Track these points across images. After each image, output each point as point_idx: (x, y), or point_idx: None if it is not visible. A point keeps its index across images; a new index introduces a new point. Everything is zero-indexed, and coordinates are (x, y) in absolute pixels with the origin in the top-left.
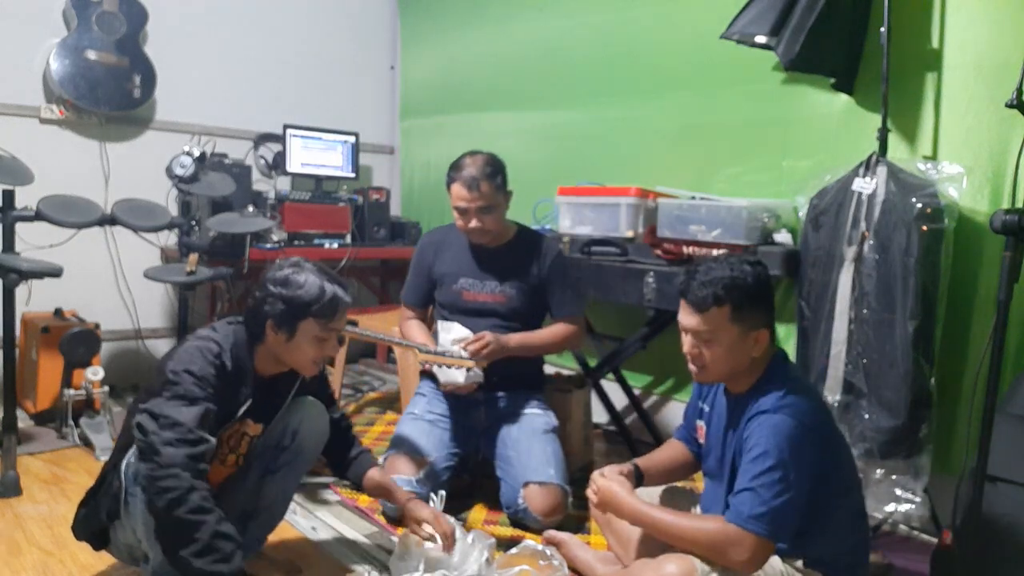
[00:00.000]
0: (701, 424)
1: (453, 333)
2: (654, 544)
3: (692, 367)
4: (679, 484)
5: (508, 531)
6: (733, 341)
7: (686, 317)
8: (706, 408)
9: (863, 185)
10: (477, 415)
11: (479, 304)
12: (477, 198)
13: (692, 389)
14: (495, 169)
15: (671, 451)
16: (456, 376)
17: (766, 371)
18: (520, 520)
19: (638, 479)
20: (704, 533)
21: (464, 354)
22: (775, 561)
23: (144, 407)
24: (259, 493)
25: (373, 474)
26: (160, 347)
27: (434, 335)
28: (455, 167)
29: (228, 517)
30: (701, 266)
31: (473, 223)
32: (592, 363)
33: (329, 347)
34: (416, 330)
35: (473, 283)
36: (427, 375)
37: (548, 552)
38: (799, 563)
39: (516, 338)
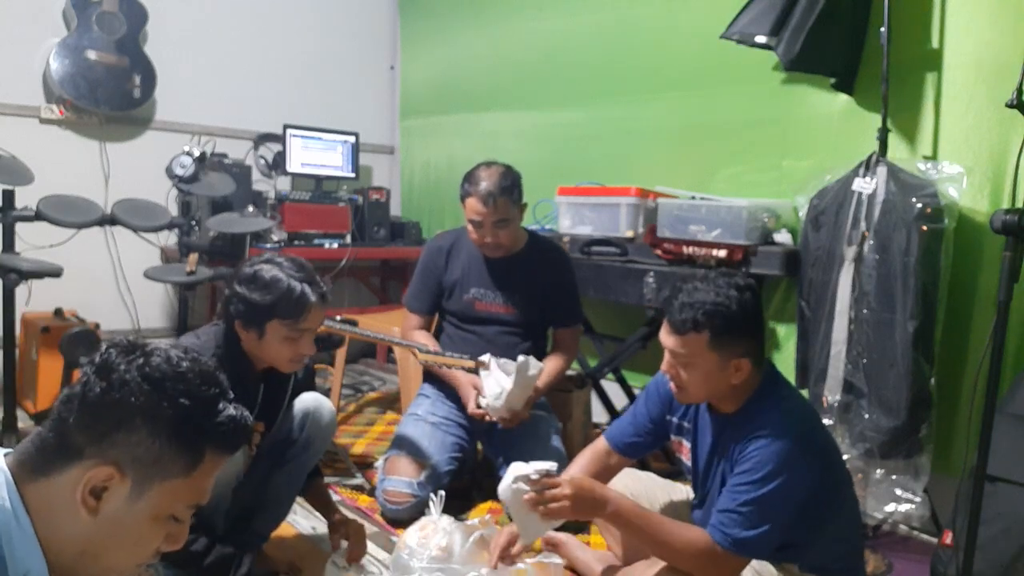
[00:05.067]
0: (679, 441)
1: (491, 387)
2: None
3: (672, 387)
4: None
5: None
6: (711, 368)
7: (665, 336)
8: (687, 425)
9: (863, 185)
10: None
11: (489, 314)
12: (493, 213)
13: (648, 394)
14: (512, 183)
15: (584, 463)
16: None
17: (756, 392)
18: None
19: None
20: (691, 545)
21: (499, 404)
22: (771, 569)
23: None
24: (266, 486)
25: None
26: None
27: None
28: (471, 180)
29: (233, 511)
30: (687, 284)
31: (488, 238)
32: (592, 363)
33: (303, 346)
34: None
35: (485, 293)
36: (429, 377)
37: (545, 552)
38: (795, 567)
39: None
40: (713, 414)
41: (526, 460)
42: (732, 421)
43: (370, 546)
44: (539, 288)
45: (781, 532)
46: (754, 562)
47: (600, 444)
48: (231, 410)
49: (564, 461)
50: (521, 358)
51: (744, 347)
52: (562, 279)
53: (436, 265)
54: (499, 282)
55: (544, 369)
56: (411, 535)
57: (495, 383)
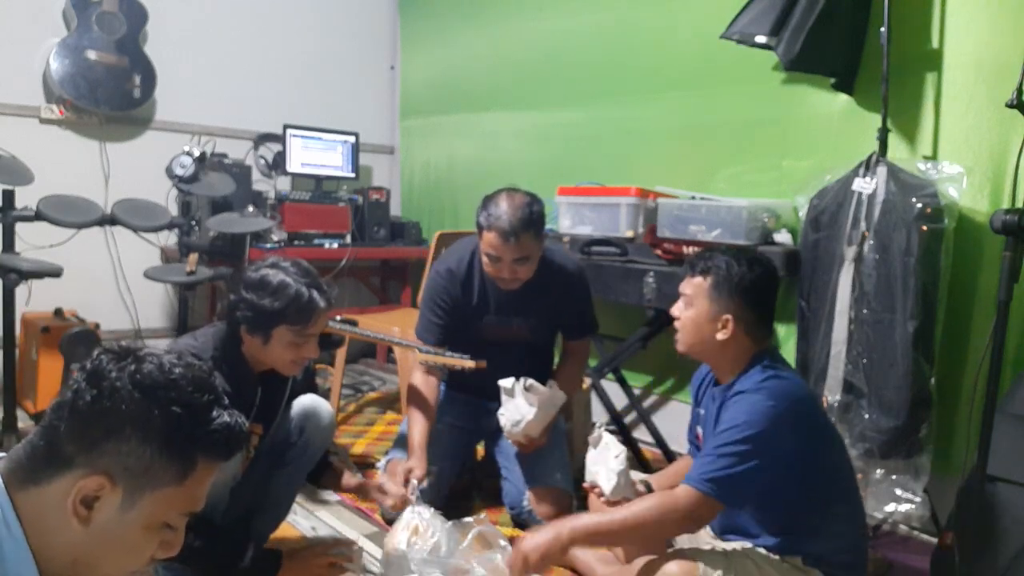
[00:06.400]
0: (698, 429)
1: (511, 413)
2: (651, 544)
3: (676, 328)
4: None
5: (509, 531)
6: (702, 313)
7: (683, 282)
8: (701, 411)
9: (863, 185)
10: (488, 421)
11: (499, 338)
12: (514, 250)
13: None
14: (536, 216)
15: (680, 466)
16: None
17: (750, 362)
18: (524, 521)
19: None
20: (653, 506)
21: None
22: (774, 559)
23: None
24: (266, 488)
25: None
26: (160, 347)
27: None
28: (490, 211)
29: (233, 512)
30: (716, 249)
31: (506, 274)
32: (592, 363)
33: (307, 350)
34: (418, 421)
35: (500, 319)
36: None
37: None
38: (798, 560)
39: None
40: (716, 388)
41: (532, 462)
42: (727, 389)
43: (370, 545)
44: (554, 309)
45: (758, 480)
46: (756, 556)
47: (687, 459)
48: (225, 417)
49: (567, 472)
50: (552, 384)
51: (735, 308)
52: (577, 297)
53: (450, 294)
54: (516, 309)
55: (564, 396)
56: (399, 535)
57: (515, 410)
